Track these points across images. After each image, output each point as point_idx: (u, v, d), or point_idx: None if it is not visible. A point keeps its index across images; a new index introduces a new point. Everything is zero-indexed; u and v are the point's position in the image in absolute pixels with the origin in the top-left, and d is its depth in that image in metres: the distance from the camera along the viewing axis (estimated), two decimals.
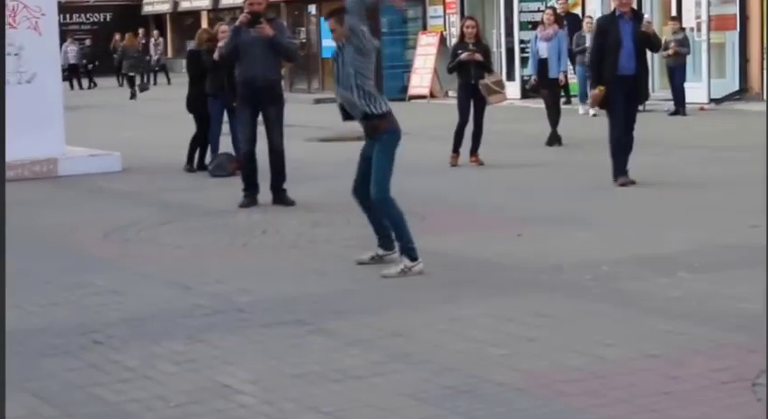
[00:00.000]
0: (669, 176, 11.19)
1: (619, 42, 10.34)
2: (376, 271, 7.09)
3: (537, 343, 5.41)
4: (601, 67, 10.46)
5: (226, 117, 12.58)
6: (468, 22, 12.97)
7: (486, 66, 12.66)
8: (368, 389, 4.81)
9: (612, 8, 10.96)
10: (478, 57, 12.52)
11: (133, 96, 28.74)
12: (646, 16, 11.15)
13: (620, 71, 10.33)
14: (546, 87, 14.79)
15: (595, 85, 10.59)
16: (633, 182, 10.49)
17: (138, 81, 29.54)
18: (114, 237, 8.88)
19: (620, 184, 10.48)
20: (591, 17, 19.48)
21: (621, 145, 10.56)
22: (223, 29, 12.62)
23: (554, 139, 14.45)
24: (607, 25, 10.69)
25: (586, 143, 14.15)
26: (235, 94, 10.79)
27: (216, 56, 11.53)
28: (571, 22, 19.72)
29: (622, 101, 10.45)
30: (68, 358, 5.44)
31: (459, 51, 12.74)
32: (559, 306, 6.12)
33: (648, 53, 10.89)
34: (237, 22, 10.00)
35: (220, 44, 11.79)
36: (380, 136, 7.03)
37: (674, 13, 20.04)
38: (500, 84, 12.80)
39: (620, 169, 10.60)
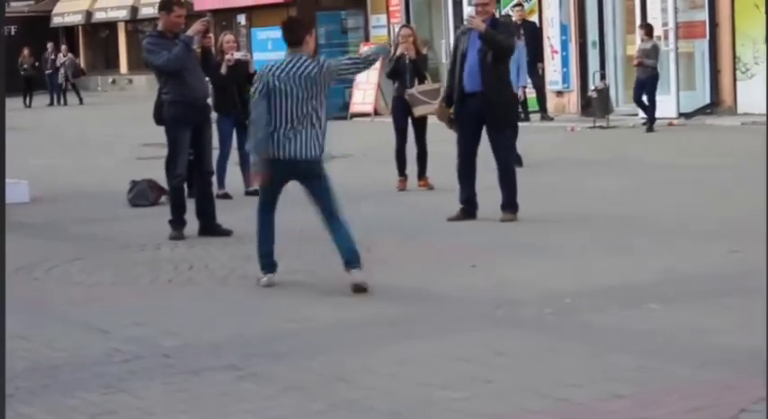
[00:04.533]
0: (635, 198, 11.30)
1: (464, 56, 10.12)
2: (315, 309, 7.09)
3: (495, 384, 5.42)
4: (452, 84, 10.31)
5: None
6: (404, 31, 13.16)
7: (421, 74, 12.68)
8: None
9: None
10: (411, 52, 12.51)
11: None
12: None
13: (465, 88, 10.08)
14: None
15: (444, 103, 10.49)
16: (465, 218, 10.08)
17: None
18: (21, 276, 8.77)
19: (449, 219, 10.11)
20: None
21: (464, 171, 10.20)
22: (228, 39, 12.81)
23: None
24: (458, 37, 10.59)
25: (549, 163, 14.27)
26: (246, 111, 10.97)
27: (224, 70, 12.16)
28: (528, 30, 19.89)
29: (472, 121, 10.11)
30: None
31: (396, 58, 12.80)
32: (519, 343, 6.14)
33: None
34: (191, 32, 9.88)
35: (228, 57, 12.36)
36: None
37: (638, 19, 20.28)
38: (433, 93, 12.63)
39: (463, 197, 10.25)
